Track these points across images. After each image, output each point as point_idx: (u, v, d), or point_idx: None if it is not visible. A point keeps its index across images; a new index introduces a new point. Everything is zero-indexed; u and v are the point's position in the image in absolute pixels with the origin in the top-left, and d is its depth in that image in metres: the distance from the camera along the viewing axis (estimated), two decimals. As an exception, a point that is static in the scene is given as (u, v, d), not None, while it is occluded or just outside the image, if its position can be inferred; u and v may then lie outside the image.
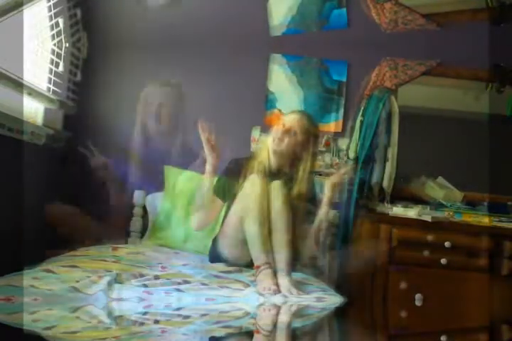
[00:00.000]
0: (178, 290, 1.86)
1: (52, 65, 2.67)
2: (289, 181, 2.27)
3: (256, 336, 1.59)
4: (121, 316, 1.71)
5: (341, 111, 2.90)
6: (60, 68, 2.72)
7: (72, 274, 1.87)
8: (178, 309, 1.76)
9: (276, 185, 2.16)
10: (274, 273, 2.00)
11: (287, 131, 2.30)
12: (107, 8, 2.90)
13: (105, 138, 2.83)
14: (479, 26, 2.88)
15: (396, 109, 2.69)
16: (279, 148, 2.30)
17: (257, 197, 2.10)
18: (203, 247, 2.47)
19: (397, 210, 2.51)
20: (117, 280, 1.85)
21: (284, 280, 1.98)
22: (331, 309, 1.90)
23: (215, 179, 2.32)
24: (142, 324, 1.63)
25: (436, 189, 2.71)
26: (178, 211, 2.62)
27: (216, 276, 2.01)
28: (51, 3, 2.59)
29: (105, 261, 2.05)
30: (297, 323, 1.82)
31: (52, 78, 2.66)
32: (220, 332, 1.60)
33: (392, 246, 2.41)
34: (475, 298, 2.37)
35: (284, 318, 1.81)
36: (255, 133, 2.86)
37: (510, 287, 2.38)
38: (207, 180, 2.26)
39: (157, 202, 2.69)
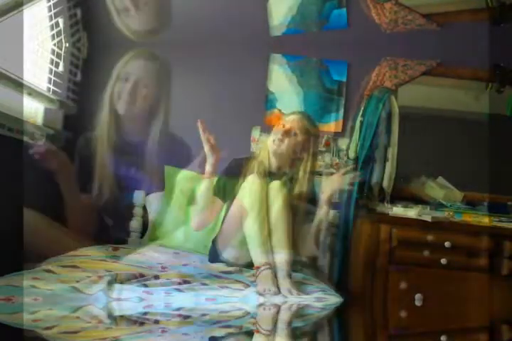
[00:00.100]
0: (178, 290, 1.86)
1: (52, 65, 2.66)
2: (289, 181, 2.28)
3: (256, 335, 1.59)
4: (121, 316, 1.71)
5: (341, 111, 2.90)
6: (60, 68, 2.72)
7: (72, 274, 1.87)
8: (178, 309, 1.76)
9: (276, 185, 2.16)
10: (274, 274, 2.00)
11: (287, 132, 2.30)
12: (107, 8, 2.90)
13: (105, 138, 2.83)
14: (479, 26, 2.88)
15: (396, 109, 2.69)
16: (279, 148, 2.30)
17: (256, 198, 2.10)
18: (203, 247, 2.47)
19: (397, 210, 2.51)
20: (117, 280, 1.85)
21: (284, 281, 1.98)
22: (331, 309, 1.90)
23: (215, 179, 2.32)
24: (142, 324, 1.63)
25: (436, 189, 2.71)
26: (178, 211, 2.62)
27: (216, 276, 2.01)
28: (51, 3, 2.59)
29: (105, 261, 2.05)
30: (297, 323, 1.82)
31: (52, 78, 2.66)
32: (220, 332, 1.60)
33: (392, 246, 2.41)
34: (475, 298, 2.37)
35: (284, 318, 1.81)
36: (255, 133, 2.86)
37: (510, 287, 2.38)
38: (207, 180, 2.26)
39: (157, 202, 2.69)
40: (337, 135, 2.88)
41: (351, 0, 2.90)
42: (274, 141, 2.31)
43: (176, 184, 2.69)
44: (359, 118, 2.73)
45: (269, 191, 2.14)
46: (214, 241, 2.29)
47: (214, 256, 2.25)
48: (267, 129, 2.75)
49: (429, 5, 2.93)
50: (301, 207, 2.24)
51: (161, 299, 1.81)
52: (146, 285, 1.85)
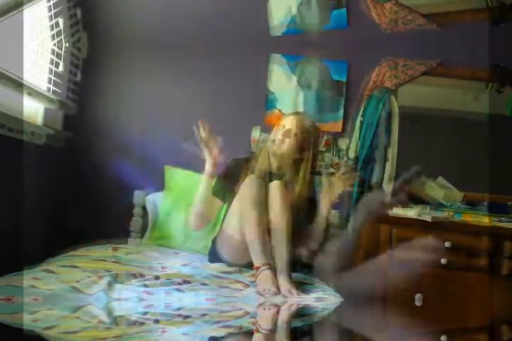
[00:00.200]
0: (178, 290, 1.86)
1: (52, 65, 2.67)
2: (289, 181, 2.27)
3: (256, 335, 1.59)
4: (121, 316, 1.71)
5: (341, 111, 2.90)
6: (60, 68, 2.72)
7: (72, 274, 1.87)
8: (178, 309, 1.76)
9: (276, 185, 2.15)
10: (274, 274, 2.00)
11: (287, 132, 2.30)
12: (107, 8, 2.91)
13: (105, 138, 2.84)
14: (479, 26, 2.88)
15: (396, 109, 2.69)
16: (280, 149, 2.30)
17: (255, 198, 2.10)
18: (202, 247, 2.47)
19: (397, 210, 2.51)
20: (117, 280, 1.85)
21: (284, 281, 1.97)
22: (331, 309, 1.90)
23: (215, 179, 2.32)
24: (142, 324, 1.63)
25: (436, 189, 2.71)
26: (178, 211, 2.62)
27: (216, 276, 2.01)
28: (51, 3, 2.59)
29: (105, 261, 2.05)
30: (297, 323, 1.82)
31: (52, 78, 2.66)
32: (220, 332, 1.60)
33: (392, 246, 2.41)
34: (475, 298, 2.36)
35: (283, 318, 1.81)
36: (255, 133, 2.86)
37: (510, 287, 2.38)
38: (206, 180, 2.26)
39: (157, 202, 2.69)
40: (337, 135, 2.88)
41: (351, 0, 2.91)
42: (274, 141, 2.31)
43: (176, 184, 2.70)
44: (359, 118, 2.73)
45: (268, 191, 2.14)
46: (214, 241, 2.29)
47: (214, 256, 2.25)
48: (267, 129, 2.75)
49: (429, 5, 2.93)
50: (301, 207, 2.24)
51: (161, 299, 1.81)
52: (146, 285, 1.85)
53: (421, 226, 2.41)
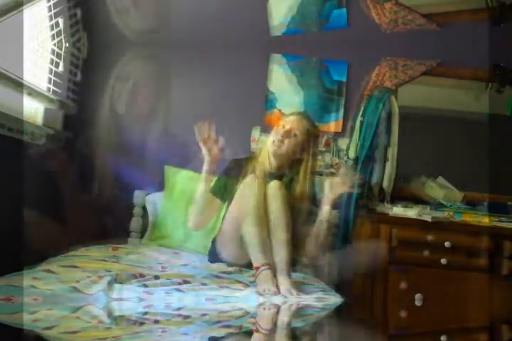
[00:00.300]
0: (178, 290, 1.86)
1: (52, 65, 2.66)
2: (289, 181, 2.27)
3: (255, 335, 1.59)
4: (121, 316, 1.71)
5: (341, 111, 2.90)
6: (60, 68, 2.72)
7: (72, 274, 1.87)
8: (178, 309, 1.75)
9: (275, 185, 2.15)
10: (274, 274, 1.99)
11: (287, 133, 2.30)
12: (107, 8, 2.90)
13: (105, 138, 2.83)
14: (479, 26, 2.88)
15: (396, 109, 2.69)
16: (279, 149, 2.30)
17: (254, 198, 2.09)
18: (202, 247, 2.47)
19: (397, 210, 2.51)
20: (117, 280, 1.85)
21: (283, 281, 1.97)
22: (331, 309, 1.90)
23: (214, 179, 2.32)
24: (142, 324, 1.63)
25: (436, 189, 2.71)
26: (178, 211, 2.62)
27: (216, 276, 2.01)
28: (51, 3, 2.59)
29: (105, 261, 2.05)
30: (297, 323, 1.82)
31: (52, 78, 2.66)
32: (220, 332, 1.60)
33: (392, 246, 2.41)
34: (475, 298, 2.37)
35: (283, 318, 1.81)
36: (255, 133, 2.86)
37: (510, 287, 2.38)
38: (204, 180, 2.26)
39: (157, 202, 2.69)
40: (337, 135, 2.88)
41: (351, 0, 2.91)
42: (274, 141, 2.31)
43: (176, 184, 2.70)
44: (359, 118, 2.73)
45: (267, 191, 2.14)
46: (214, 241, 2.29)
47: (214, 256, 2.25)
48: (267, 129, 2.75)
49: (429, 5, 2.93)
50: (301, 207, 2.24)
51: (161, 299, 1.80)
52: (146, 285, 1.84)
53: (421, 226, 2.41)
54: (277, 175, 2.30)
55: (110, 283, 1.81)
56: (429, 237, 2.39)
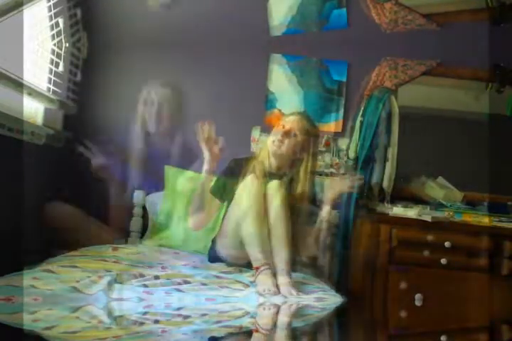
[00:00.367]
0: (178, 290, 1.86)
1: (52, 65, 2.66)
2: (288, 181, 2.27)
3: (255, 335, 1.59)
4: (121, 316, 1.71)
5: (341, 111, 2.90)
6: (60, 68, 2.72)
7: (72, 274, 1.87)
8: (178, 309, 1.76)
9: (274, 185, 2.15)
10: (274, 274, 2.00)
11: (287, 133, 2.30)
12: (107, 8, 2.90)
13: (105, 138, 2.83)
14: (479, 26, 2.88)
15: (396, 109, 2.69)
16: (279, 149, 2.30)
17: (253, 198, 2.09)
18: (202, 247, 2.47)
19: (397, 210, 2.51)
20: (117, 280, 1.85)
21: (283, 281, 1.97)
22: (331, 309, 1.90)
23: (214, 179, 2.32)
24: (142, 324, 1.63)
25: (436, 189, 2.71)
26: (178, 211, 2.62)
27: (216, 276, 2.01)
28: (51, 3, 2.59)
29: (105, 261, 2.05)
30: (297, 323, 1.82)
31: (52, 78, 2.66)
32: (219, 332, 1.60)
33: (392, 246, 2.41)
34: (475, 298, 2.37)
35: (283, 318, 1.81)
36: (255, 133, 2.86)
37: (510, 287, 2.38)
38: (204, 180, 2.26)
39: (157, 202, 2.69)
40: (337, 135, 2.88)
41: (351, 0, 2.91)
42: (273, 141, 2.31)
43: (176, 184, 2.70)
44: (359, 118, 2.73)
45: (267, 191, 2.14)
46: (214, 241, 2.29)
47: (214, 256, 2.25)
48: (267, 129, 2.75)
49: (429, 5, 2.93)
50: (301, 208, 2.24)
51: (161, 299, 1.81)
52: (146, 285, 1.85)
53: (421, 226, 2.41)
54: (277, 175, 2.30)
55: (110, 283, 1.81)
56: (429, 237, 2.39)
